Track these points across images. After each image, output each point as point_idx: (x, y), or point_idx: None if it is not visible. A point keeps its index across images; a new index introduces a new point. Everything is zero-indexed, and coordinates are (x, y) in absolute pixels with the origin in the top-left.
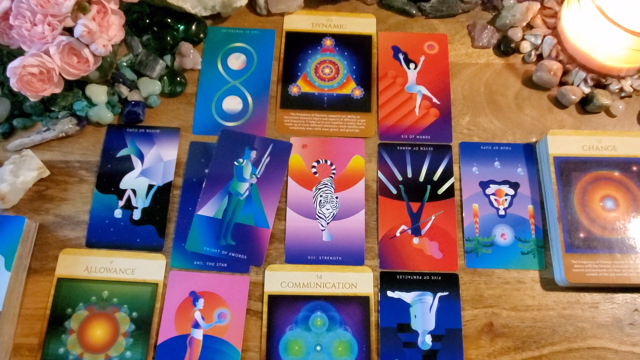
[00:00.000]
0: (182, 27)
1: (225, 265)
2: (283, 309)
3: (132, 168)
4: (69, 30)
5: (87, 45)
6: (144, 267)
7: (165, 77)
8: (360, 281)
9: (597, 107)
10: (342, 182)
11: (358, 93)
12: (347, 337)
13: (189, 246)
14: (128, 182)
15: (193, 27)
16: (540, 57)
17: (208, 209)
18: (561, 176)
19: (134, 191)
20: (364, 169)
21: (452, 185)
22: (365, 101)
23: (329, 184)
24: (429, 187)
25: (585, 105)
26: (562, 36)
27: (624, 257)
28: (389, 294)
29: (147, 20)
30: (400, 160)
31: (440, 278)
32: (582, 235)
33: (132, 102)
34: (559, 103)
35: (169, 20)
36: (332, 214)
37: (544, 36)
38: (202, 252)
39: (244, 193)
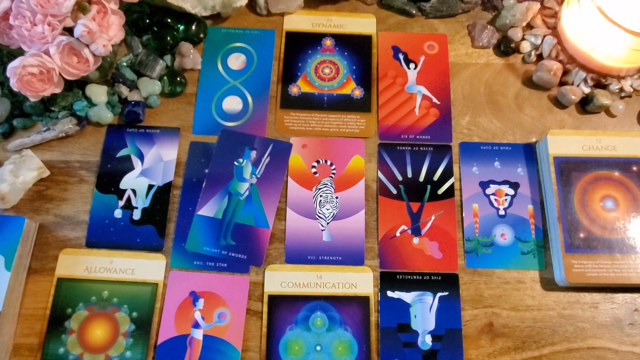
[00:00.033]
0: (182, 27)
1: (225, 265)
2: (283, 309)
3: (132, 168)
4: (69, 30)
5: (87, 45)
6: (144, 267)
7: (165, 77)
8: (360, 281)
9: (597, 107)
10: (342, 182)
11: (358, 93)
12: (347, 337)
13: (189, 246)
14: (128, 182)
15: (193, 27)
16: (540, 57)
17: (208, 209)
18: (561, 176)
19: (134, 191)
20: (364, 169)
21: (452, 185)
22: (365, 101)
23: (329, 184)
24: (429, 187)
25: (585, 105)
26: (562, 36)
27: (624, 257)
28: (389, 294)
29: (147, 20)
30: (400, 160)
31: (440, 278)
32: (582, 235)
33: (132, 102)
34: (559, 103)
35: (169, 20)
36: (332, 214)
37: (544, 36)
38: (202, 252)
39: (244, 193)
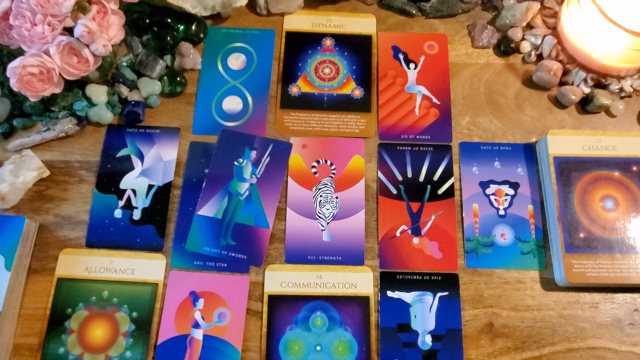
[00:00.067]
0: (182, 27)
1: (225, 265)
2: (283, 309)
3: (132, 168)
4: (69, 30)
5: (87, 45)
6: (144, 267)
7: (165, 77)
8: (360, 281)
9: (597, 107)
10: (342, 182)
11: (358, 93)
12: (347, 337)
13: (189, 246)
14: (128, 182)
15: (193, 27)
16: (540, 57)
17: (208, 209)
18: (561, 176)
19: (134, 191)
20: (364, 169)
21: (452, 185)
22: (365, 101)
23: (329, 184)
24: (429, 187)
25: (585, 105)
26: (562, 36)
27: (624, 257)
28: (389, 294)
29: (147, 20)
30: (400, 160)
31: (440, 278)
32: (582, 235)
33: (132, 102)
34: (559, 103)
35: (169, 20)
36: (332, 214)
37: (544, 36)
38: (202, 252)
39: (244, 193)
